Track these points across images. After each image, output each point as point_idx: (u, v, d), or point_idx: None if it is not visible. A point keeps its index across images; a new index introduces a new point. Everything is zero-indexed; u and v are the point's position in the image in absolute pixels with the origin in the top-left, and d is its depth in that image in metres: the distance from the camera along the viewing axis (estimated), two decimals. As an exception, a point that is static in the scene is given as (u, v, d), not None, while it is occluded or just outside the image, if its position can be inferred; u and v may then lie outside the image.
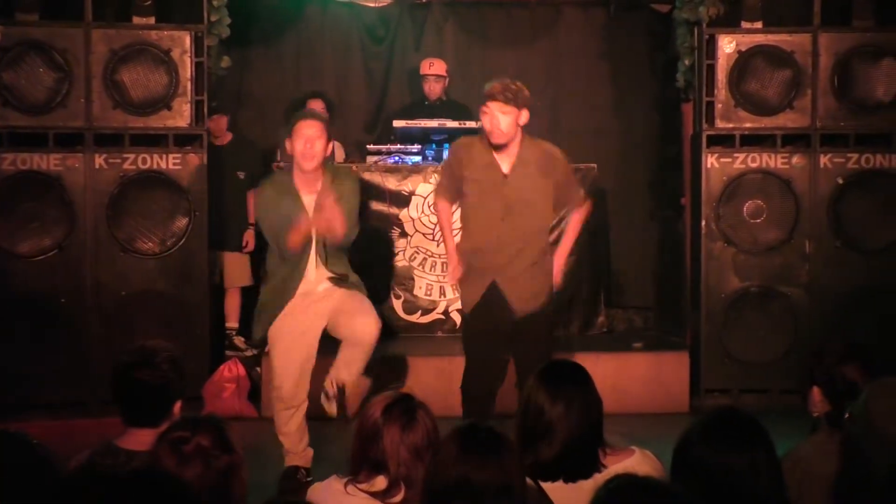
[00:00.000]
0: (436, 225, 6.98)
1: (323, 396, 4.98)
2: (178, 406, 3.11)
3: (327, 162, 4.98)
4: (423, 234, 7.03)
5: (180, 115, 6.37)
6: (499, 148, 4.73)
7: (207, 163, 6.43)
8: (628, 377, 6.50)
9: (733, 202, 6.66)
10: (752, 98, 6.63)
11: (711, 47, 6.63)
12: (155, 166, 6.37)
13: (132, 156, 6.34)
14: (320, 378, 5.03)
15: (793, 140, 6.70)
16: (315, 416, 5.08)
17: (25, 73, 6.21)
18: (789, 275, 6.66)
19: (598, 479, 2.70)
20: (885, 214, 6.64)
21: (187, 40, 6.35)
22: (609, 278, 7.86)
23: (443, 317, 7.10)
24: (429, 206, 6.95)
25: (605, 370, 6.05)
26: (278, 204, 4.86)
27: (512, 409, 3.01)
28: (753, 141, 6.68)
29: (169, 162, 6.38)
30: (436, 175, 6.93)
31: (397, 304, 7.10)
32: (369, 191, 6.82)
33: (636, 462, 2.85)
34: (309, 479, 4.93)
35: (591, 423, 2.83)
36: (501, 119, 4.64)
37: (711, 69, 6.62)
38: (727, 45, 6.61)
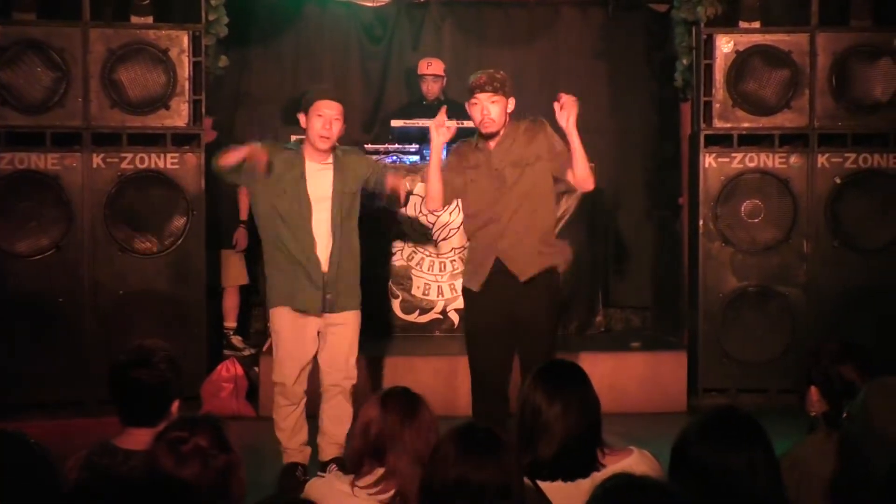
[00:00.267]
0: (433, 224, 6.99)
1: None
2: (175, 405, 3.11)
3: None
4: (421, 234, 7.03)
5: (178, 115, 6.37)
6: (489, 137, 4.79)
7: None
8: (626, 377, 6.50)
9: (731, 202, 6.66)
10: (750, 98, 6.64)
11: (709, 47, 6.63)
12: (153, 166, 6.36)
13: (130, 155, 6.34)
14: (318, 377, 5.05)
15: (790, 140, 6.70)
16: (313, 413, 5.09)
17: (23, 72, 6.21)
18: (787, 274, 6.66)
19: (597, 478, 2.70)
20: (883, 214, 6.64)
21: (185, 40, 6.35)
22: (607, 278, 7.86)
23: (440, 316, 7.09)
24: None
25: (603, 370, 6.06)
26: (276, 155, 4.90)
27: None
28: (751, 141, 6.68)
29: (167, 161, 6.38)
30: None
31: (395, 304, 7.09)
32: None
33: (634, 462, 2.85)
34: (307, 476, 4.94)
35: (589, 422, 2.83)
36: (491, 108, 4.72)
37: (709, 69, 6.63)
38: (725, 45, 6.62)
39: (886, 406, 2.46)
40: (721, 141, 6.69)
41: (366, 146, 7.27)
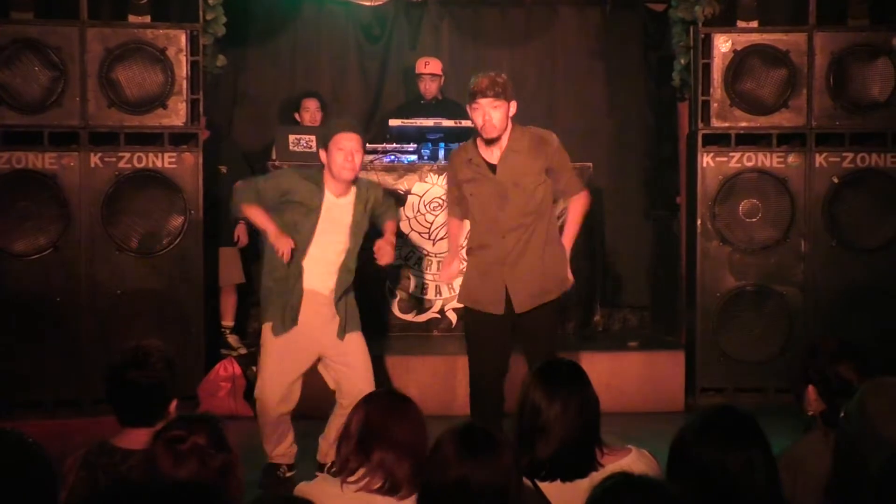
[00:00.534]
0: (431, 224, 6.99)
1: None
2: (174, 405, 3.11)
3: None
4: (419, 234, 7.02)
5: (176, 114, 6.36)
6: (491, 142, 4.74)
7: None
8: (624, 376, 6.50)
9: (729, 201, 6.67)
10: (748, 97, 6.64)
11: (707, 46, 6.64)
12: (150, 165, 6.36)
13: (127, 154, 6.34)
14: (317, 376, 5.04)
15: (788, 139, 6.71)
16: (313, 414, 5.08)
17: (21, 71, 6.20)
18: (785, 274, 6.67)
19: (595, 477, 2.70)
20: (881, 213, 6.65)
21: (183, 39, 6.35)
22: (604, 277, 7.86)
23: (438, 316, 7.09)
24: (424, 205, 6.95)
25: (601, 369, 6.05)
26: (297, 186, 4.84)
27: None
28: (749, 140, 6.68)
29: (164, 161, 6.37)
30: (431, 174, 6.95)
31: (393, 303, 7.09)
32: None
33: (633, 461, 2.85)
34: (291, 473, 4.96)
35: (587, 422, 2.83)
36: (493, 114, 4.65)
37: (707, 68, 6.63)
38: (723, 45, 6.62)
39: (883, 406, 2.45)
40: (719, 140, 6.69)
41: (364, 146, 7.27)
